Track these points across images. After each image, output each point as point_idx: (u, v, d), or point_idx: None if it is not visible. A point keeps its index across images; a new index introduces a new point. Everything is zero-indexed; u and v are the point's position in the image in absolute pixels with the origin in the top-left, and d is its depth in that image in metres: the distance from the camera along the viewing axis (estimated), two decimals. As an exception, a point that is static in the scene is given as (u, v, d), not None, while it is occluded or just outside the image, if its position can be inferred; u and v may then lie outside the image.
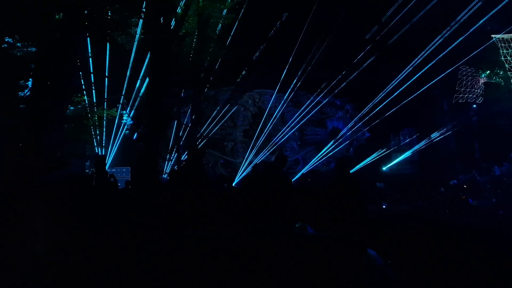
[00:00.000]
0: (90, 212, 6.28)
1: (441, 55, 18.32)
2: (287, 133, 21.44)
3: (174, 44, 12.83)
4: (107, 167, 16.01)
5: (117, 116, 15.35)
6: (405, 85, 19.21)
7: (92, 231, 5.83)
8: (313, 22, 19.01)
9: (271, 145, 20.72)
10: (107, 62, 14.52)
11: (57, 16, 6.92)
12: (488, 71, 20.31)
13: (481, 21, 17.31)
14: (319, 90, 21.25)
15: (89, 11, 6.80)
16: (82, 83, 13.46)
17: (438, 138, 21.31)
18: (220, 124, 20.26)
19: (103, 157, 8.41)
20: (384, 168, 21.99)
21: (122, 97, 15.30)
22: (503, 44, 17.84)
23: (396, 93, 19.49)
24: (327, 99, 21.91)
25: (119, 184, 11.94)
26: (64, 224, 5.46)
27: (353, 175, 6.31)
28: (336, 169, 6.28)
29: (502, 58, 17.90)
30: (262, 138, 20.72)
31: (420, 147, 21.67)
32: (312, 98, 21.78)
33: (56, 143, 7.05)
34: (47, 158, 6.51)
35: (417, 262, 5.94)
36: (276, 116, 21.24)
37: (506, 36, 17.89)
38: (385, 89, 19.88)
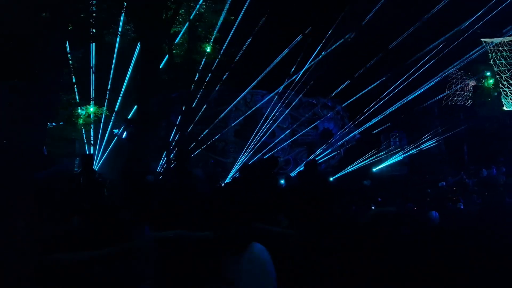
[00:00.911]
0: (76, 210, 6.23)
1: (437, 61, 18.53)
2: (278, 134, 21.50)
3: (165, 43, 12.82)
4: (97, 167, 15.97)
5: (103, 115, 15.26)
6: (398, 89, 19.39)
7: (77, 230, 5.79)
8: (305, 23, 19.10)
9: (261, 145, 20.72)
10: (91, 60, 14.44)
11: (43, 14, 6.88)
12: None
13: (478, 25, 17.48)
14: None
15: (75, 9, 6.77)
16: (73, 80, 13.39)
17: (428, 142, 21.49)
18: (211, 124, 20.21)
19: (90, 156, 8.37)
20: (374, 170, 22.12)
21: (107, 94, 15.22)
22: (492, 48, 18.03)
23: (387, 94, 19.67)
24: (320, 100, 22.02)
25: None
26: (49, 223, 5.43)
27: (321, 177, 6.41)
28: (304, 171, 6.33)
29: (491, 62, 18.09)
30: (253, 139, 20.71)
31: (409, 149, 21.82)
32: (303, 99, 21.87)
33: (43, 140, 7.00)
34: (32, 156, 6.47)
35: (404, 263, 5.99)
36: (267, 117, 21.25)
37: (495, 40, 18.08)
38: (376, 92, 20.04)
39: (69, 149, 15.75)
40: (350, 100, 20.98)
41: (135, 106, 14.40)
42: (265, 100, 21.51)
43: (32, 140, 6.47)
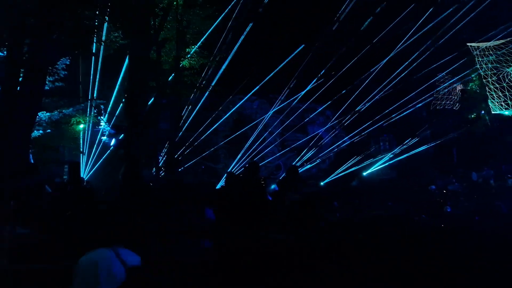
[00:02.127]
0: (59, 217, 6.17)
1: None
2: (268, 139, 21.51)
3: (153, 50, 12.77)
4: (86, 176, 15.86)
5: (90, 122, 15.19)
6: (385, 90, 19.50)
7: (60, 236, 5.74)
8: (296, 27, 19.19)
9: (251, 150, 20.71)
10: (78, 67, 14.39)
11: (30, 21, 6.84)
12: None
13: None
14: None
15: (60, 16, 6.72)
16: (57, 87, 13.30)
17: (417, 145, 21.62)
18: (201, 130, 20.16)
19: (77, 164, 8.31)
20: (364, 174, 22.17)
21: (95, 101, 15.13)
22: (478, 52, 18.21)
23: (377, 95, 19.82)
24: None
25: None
26: (30, 230, 5.40)
27: (302, 182, 6.49)
28: (286, 176, 6.40)
29: (478, 66, 18.26)
30: (244, 145, 20.70)
31: (398, 153, 21.92)
32: (293, 104, 21.92)
33: (26, 148, 6.92)
34: (14, 163, 6.40)
35: (394, 266, 6.01)
36: (257, 122, 21.28)
37: (481, 44, 18.28)
38: (365, 96, 20.18)
39: (58, 157, 15.65)
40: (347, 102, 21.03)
41: (123, 113, 14.36)
42: (255, 105, 21.54)
43: (15, 148, 6.40)
